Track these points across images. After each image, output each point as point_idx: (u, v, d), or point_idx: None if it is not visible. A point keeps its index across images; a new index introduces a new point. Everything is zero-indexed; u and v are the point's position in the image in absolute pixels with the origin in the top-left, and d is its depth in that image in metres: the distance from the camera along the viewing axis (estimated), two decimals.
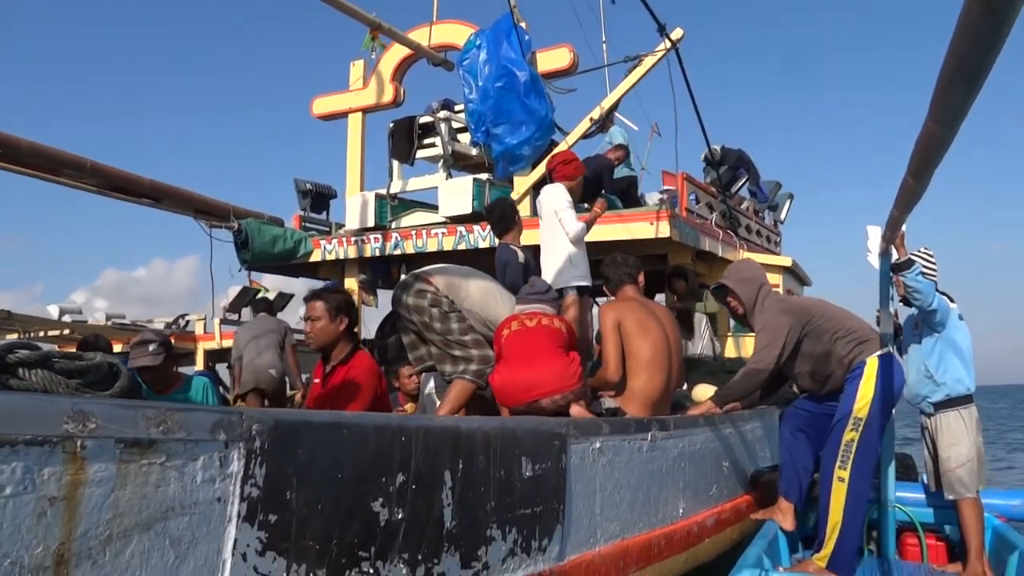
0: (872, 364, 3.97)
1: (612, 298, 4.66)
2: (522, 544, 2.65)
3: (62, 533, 1.44)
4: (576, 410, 3.79)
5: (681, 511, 3.87)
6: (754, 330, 4.32)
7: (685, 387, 5.43)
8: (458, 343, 4.19)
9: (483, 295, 4.33)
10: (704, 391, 5.23)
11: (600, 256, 4.91)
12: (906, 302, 4.30)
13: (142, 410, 1.57)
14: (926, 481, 4.57)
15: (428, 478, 2.27)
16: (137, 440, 1.55)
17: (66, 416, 1.44)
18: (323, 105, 8.24)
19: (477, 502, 2.45)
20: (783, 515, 4.37)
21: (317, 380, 4.10)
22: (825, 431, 4.27)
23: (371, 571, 2.07)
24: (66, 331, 9.98)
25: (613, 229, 6.37)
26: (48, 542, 1.42)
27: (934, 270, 4.35)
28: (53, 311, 10.25)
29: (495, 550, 2.52)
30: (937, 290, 4.24)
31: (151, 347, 4.01)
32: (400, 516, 2.16)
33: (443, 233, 7.18)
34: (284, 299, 10.67)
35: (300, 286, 9.83)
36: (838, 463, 3.90)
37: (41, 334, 10.00)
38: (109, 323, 10.51)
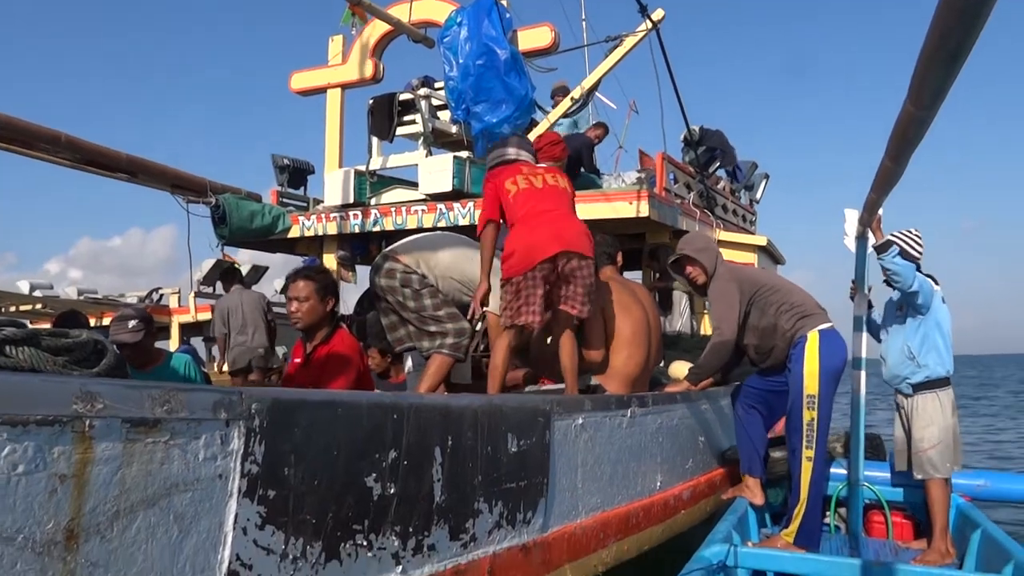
0: (813, 338, 4.05)
1: None
2: (508, 517, 2.73)
3: (72, 509, 1.48)
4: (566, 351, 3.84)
5: (659, 484, 3.98)
6: (708, 299, 4.40)
7: (663, 364, 5.54)
8: (433, 319, 4.22)
9: (454, 259, 4.34)
10: (681, 368, 5.34)
11: None
12: (889, 284, 4.35)
13: (147, 390, 1.61)
14: (894, 460, 4.66)
15: (419, 454, 2.33)
16: (143, 419, 1.59)
17: (75, 397, 1.48)
18: (302, 80, 8.18)
19: (465, 477, 2.53)
20: (751, 491, 4.47)
21: (298, 360, 4.12)
22: (774, 406, 4.40)
23: (365, 543, 2.14)
24: (38, 306, 9.88)
25: (598, 208, 6.45)
26: (59, 518, 1.46)
27: (920, 251, 4.39)
28: (23, 286, 10.12)
29: (482, 523, 2.60)
30: (920, 271, 4.28)
31: (131, 323, 3.97)
32: (392, 491, 2.22)
33: (423, 210, 7.20)
34: (259, 272, 10.63)
35: (276, 258, 9.80)
36: (805, 444, 3.99)
37: (12, 309, 9.89)
38: (81, 298, 10.41)
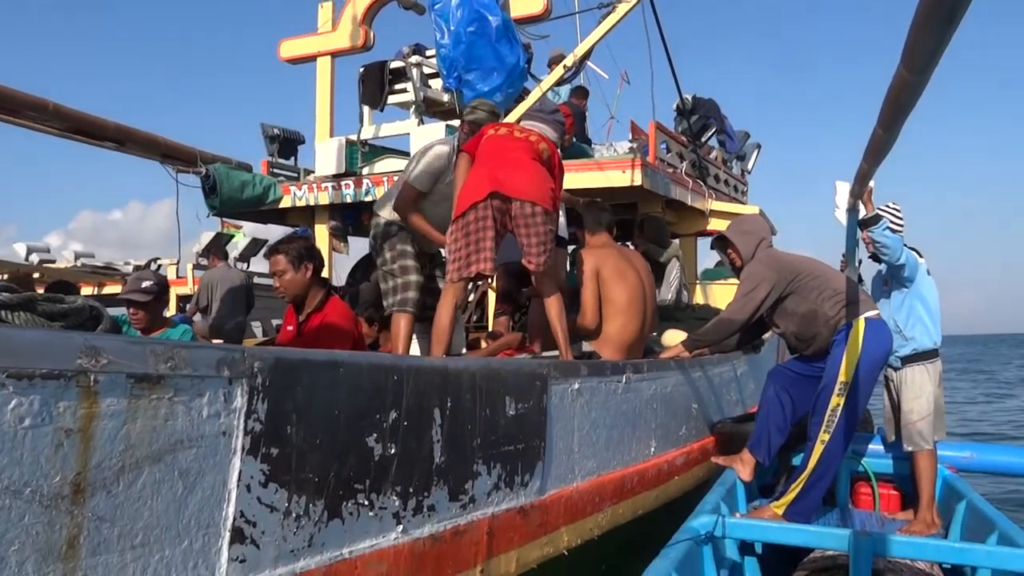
0: (858, 326, 3.95)
1: (587, 245, 4.73)
2: (506, 479, 2.76)
3: (78, 464, 1.49)
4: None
5: (653, 450, 4.02)
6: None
7: (655, 333, 5.56)
8: (389, 273, 4.26)
9: (420, 155, 4.35)
10: (674, 336, 5.37)
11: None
12: (875, 258, 4.34)
13: (150, 346, 1.61)
14: (884, 432, 4.66)
15: (419, 415, 2.34)
16: (147, 375, 1.59)
17: (79, 351, 1.47)
18: (291, 48, 8.08)
19: (464, 439, 2.54)
20: (743, 466, 4.42)
21: (291, 328, 4.12)
22: (809, 392, 4.25)
23: (366, 503, 2.16)
24: (35, 275, 9.84)
25: (591, 176, 6.44)
26: (65, 472, 1.47)
27: (901, 225, 4.39)
28: (20, 249, 10.10)
29: (481, 484, 2.63)
30: (904, 245, 4.27)
31: (144, 284, 4.05)
32: (393, 451, 2.24)
33: None
34: (258, 244, 10.61)
35: (274, 230, 9.76)
36: (823, 428, 3.92)
37: (5, 277, 9.84)
38: (78, 263, 10.38)
